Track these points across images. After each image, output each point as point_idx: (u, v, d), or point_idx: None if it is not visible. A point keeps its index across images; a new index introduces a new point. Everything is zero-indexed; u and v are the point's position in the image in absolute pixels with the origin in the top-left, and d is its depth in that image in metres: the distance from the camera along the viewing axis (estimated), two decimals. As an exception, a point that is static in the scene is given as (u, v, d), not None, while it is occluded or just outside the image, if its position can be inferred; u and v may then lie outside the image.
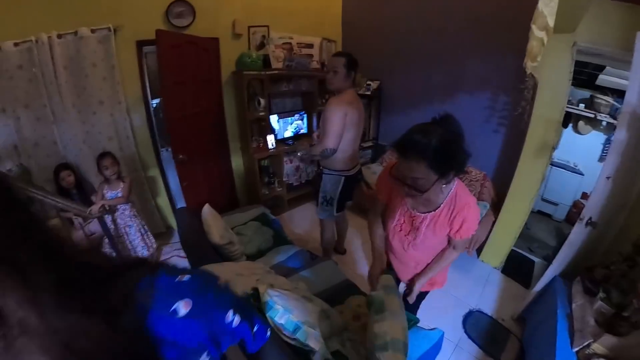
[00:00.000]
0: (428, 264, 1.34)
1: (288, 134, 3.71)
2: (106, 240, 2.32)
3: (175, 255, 2.88)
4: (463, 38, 3.01)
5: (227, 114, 3.27)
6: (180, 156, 2.53)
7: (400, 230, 1.30)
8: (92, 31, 2.41)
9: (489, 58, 2.87)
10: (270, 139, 3.41)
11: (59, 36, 2.32)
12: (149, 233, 2.62)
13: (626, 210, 1.92)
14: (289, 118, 3.69)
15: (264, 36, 3.33)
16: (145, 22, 2.61)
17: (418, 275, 1.35)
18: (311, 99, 3.78)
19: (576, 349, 1.42)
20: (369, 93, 3.81)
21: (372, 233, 1.42)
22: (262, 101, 3.28)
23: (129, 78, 2.66)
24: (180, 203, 3.11)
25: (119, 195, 2.35)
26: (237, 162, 3.51)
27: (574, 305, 1.66)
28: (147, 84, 2.76)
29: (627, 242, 1.76)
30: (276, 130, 3.55)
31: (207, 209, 1.98)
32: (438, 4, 3.14)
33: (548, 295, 1.87)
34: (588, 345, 1.40)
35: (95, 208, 2.15)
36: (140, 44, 2.66)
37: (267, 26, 3.32)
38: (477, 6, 2.84)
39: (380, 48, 3.74)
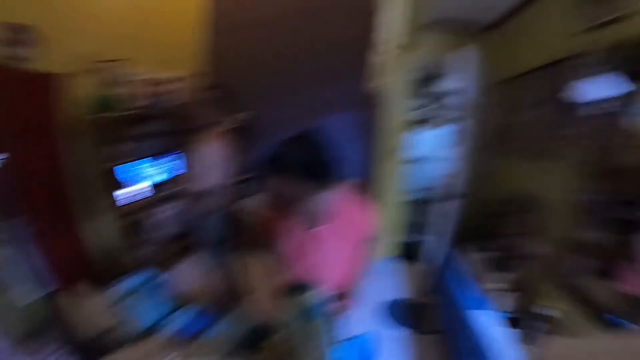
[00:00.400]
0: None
1: (158, 179, 3.24)
2: None
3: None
4: (315, 66, 3.34)
5: (74, 166, 2.59)
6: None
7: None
8: None
9: (340, 81, 3.20)
10: (131, 191, 2.90)
11: None
12: None
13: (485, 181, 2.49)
14: (155, 162, 3.22)
15: (121, 73, 2.84)
16: None
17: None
18: (177, 139, 3.33)
19: (480, 287, 1.76)
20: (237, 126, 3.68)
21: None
22: (122, 146, 2.81)
23: None
24: None
25: None
26: (95, 225, 2.79)
27: (467, 262, 2.07)
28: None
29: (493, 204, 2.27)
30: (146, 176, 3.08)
31: (70, 298, 1.53)
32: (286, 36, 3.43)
33: (446, 263, 2.26)
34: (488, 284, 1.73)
35: None
36: None
37: (126, 61, 2.84)
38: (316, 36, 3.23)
39: (256, 77, 3.73)
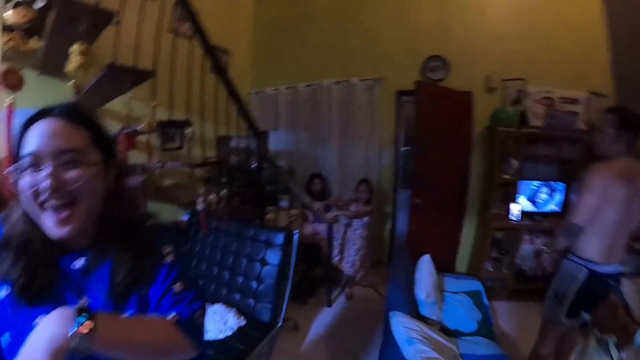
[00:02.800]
0: None
1: (532, 208, 2.95)
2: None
3: (372, 288, 2.89)
4: None
5: (473, 171, 3.06)
6: (418, 200, 2.59)
7: None
8: (361, 80, 3.13)
9: None
10: (515, 209, 2.82)
11: (336, 82, 3.21)
12: (363, 258, 2.80)
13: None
14: (542, 188, 2.94)
15: (520, 90, 2.95)
16: (404, 74, 3.03)
17: None
18: (572, 168, 2.84)
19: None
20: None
21: None
22: (514, 163, 2.82)
23: (386, 122, 3.16)
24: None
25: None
26: (468, 225, 3.17)
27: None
28: (402, 131, 3.14)
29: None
30: (521, 200, 2.91)
31: (427, 259, 1.83)
32: None
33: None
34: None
35: (330, 215, 2.55)
36: (399, 94, 3.09)
37: (523, 79, 2.93)
38: None
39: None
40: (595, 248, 1.48)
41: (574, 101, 2.96)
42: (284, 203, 3.04)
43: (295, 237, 1.74)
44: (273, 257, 1.74)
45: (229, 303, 1.86)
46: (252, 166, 2.52)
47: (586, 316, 1.56)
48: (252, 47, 3.72)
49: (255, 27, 3.70)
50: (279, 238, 1.74)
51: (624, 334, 1.93)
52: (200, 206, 1.61)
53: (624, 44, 2.88)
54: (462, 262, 3.21)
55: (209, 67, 1.76)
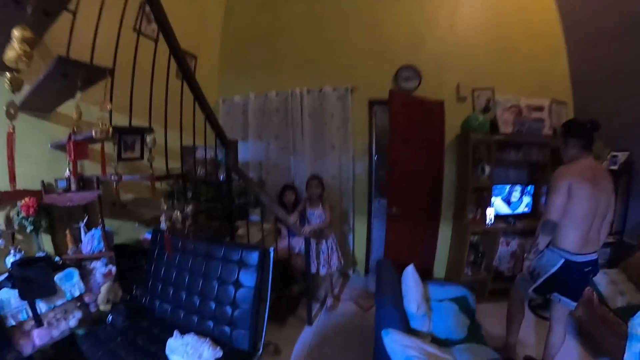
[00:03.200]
0: None
1: (507, 210, 3.05)
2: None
3: (352, 301, 2.79)
4: None
5: (446, 178, 3.10)
6: (394, 209, 2.53)
7: None
8: (333, 89, 3.10)
9: None
10: (490, 213, 2.87)
11: (308, 91, 3.14)
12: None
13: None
14: (514, 190, 3.05)
15: (488, 99, 3.10)
16: (376, 84, 3.06)
17: None
18: (540, 171, 3.01)
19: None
20: (615, 167, 2.64)
21: None
22: (487, 168, 2.88)
23: (359, 131, 3.13)
24: (376, 254, 3.15)
25: (321, 219, 2.64)
26: (444, 230, 3.18)
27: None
28: (374, 139, 3.11)
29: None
30: (497, 202, 2.98)
31: (411, 270, 1.75)
32: None
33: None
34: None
35: (307, 229, 2.43)
36: (372, 103, 3.09)
37: (492, 88, 3.08)
38: None
39: (628, 110, 2.58)
40: (570, 239, 1.65)
41: (539, 108, 3.11)
42: (255, 217, 2.86)
43: (271, 254, 1.59)
44: (248, 278, 1.58)
45: (202, 332, 1.65)
46: (221, 178, 2.35)
47: (571, 304, 1.72)
48: (220, 53, 3.55)
49: (225, 33, 3.55)
50: (253, 257, 1.59)
51: (602, 322, 2.04)
52: (163, 224, 1.41)
53: (579, 53, 3.08)
54: (439, 268, 3.22)
55: (175, 71, 1.60)
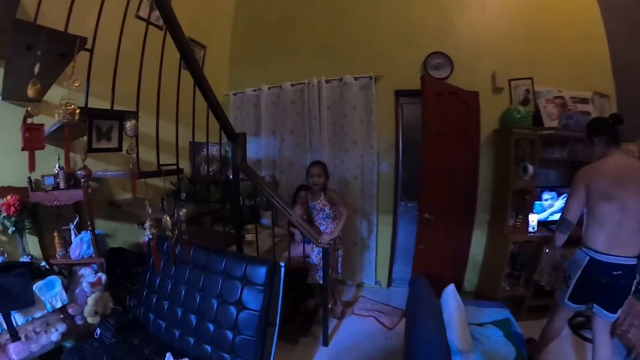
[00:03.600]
0: None
1: (548, 216, 2.63)
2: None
3: (373, 317, 2.46)
4: None
5: (481, 178, 2.72)
6: (426, 215, 2.16)
7: None
8: (355, 79, 2.75)
9: None
10: (533, 219, 2.48)
11: (327, 81, 2.80)
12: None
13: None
14: (556, 196, 2.64)
15: (527, 90, 2.73)
16: (403, 72, 2.73)
17: None
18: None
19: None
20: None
21: None
22: (531, 168, 2.49)
23: (385, 125, 2.76)
24: (400, 263, 2.83)
25: (324, 212, 2.29)
26: (478, 238, 2.80)
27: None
28: (401, 134, 2.74)
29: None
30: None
31: (452, 292, 1.42)
32: None
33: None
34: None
35: (326, 238, 2.09)
36: (398, 94, 2.74)
37: (531, 78, 2.71)
38: None
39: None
40: (594, 238, 1.63)
41: (584, 101, 2.74)
42: (266, 221, 2.58)
43: (282, 270, 1.29)
44: (252, 299, 1.29)
45: (199, 358, 1.39)
46: (231, 177, 2.10)
47: (608, 315, 1.61)
48: (231, 43, 3.31)
49: (236, 20, 3.30)
50: (260, 273, 1.30)
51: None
52: (147, 232, 1.15)
53: (621, 41, 2.69)
54: (470, 279, 2.85)
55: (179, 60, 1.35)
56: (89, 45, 1.06)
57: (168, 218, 1.17)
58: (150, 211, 1.14)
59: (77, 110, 0.90)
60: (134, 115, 1.08)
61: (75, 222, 1.83)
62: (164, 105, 1.35)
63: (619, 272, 1.56)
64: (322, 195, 2.31)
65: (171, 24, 1.25)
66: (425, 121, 2.12)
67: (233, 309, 1.33)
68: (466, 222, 2.73)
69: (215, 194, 2.58)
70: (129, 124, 1.04)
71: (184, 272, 1.60)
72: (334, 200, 2.30)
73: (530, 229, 2.48)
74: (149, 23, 1.32)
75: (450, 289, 1.46)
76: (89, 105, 1.04)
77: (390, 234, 2.87)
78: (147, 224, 1.14)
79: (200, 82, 1.46)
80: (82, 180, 1.06)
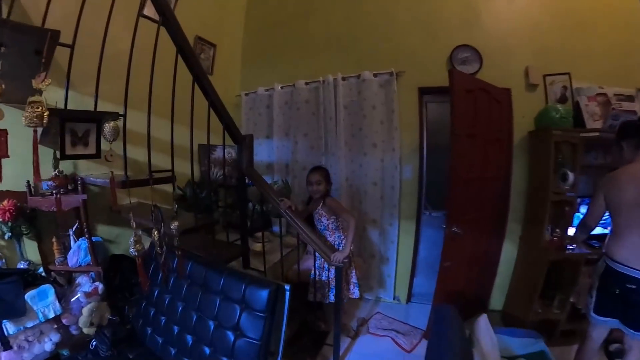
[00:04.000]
0: None
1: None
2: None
3: (390, 337, 2.25)
4: None
5: (513, 184, 2.45)
6: (455, 229, 1.93)
7: None
8: (375, 75, 2.52)
9: None
10: (572, 233, 2.19)
11: (344, 78, 2.58)
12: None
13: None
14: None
15: (564, 86, 2.43)
16: (427, 68, 2.49)
17: None
18: None
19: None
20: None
21: None
22: (571, 175, 2.21)
23: (407, 126, 2.53)
24: (421, 277, 2.61)
25: (323, 223, 2.09)
26: (507, 251, 2.52)
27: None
28: (425, 137, 2.51)
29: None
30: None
31: (485, 323, 1.21)
32: None
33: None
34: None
35: (340, 257, 1.88)
36: (422, 91, 2.51)
37: (568, 74, 2.41)
38: None
39: None
40: (615, 247, 1.56)
41: (630, 98, 2.39)
42: (277, 228, 2.43)
43: (286, 294, 1.13)
44: (251, 327, 1.13)
45: (194, 383, 1.25)
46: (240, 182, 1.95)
47: (630, 332, 1.51)
48: (243, 41, 3.19)
49: (248, 18, 3.17)
50: (261, 298, 1.13)
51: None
52: (132, 249, 1.02)
53: None
54: (496, 297, 2.57)
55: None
56: (68, 41, 0.93)
57: (156, 232, 1.04)
58: (134, 225, 1.00)
59: (46, 113, 0.77)
60: (114, 116, 0.95)
61: (74, 228, 1.75)
62: (166, 105, 1.23)
63: (633, 286, 1.47)
64: (321, 204, 2.11)
65: (165, 16, 1.11)
66: (454, 121, 1.88)
67: (230, 335, 1.18)
68: (496, 235, 2.46)
69: (224, 199, 2.45)
70: (107, 127, 0.91)
71: (182, 287, 1.48)
72: (335, 210, 2.09)
73: (569, 245, 2.20)
74: (144, 17, 1.19)
75: (483, 322, 1.26)
76: (87, 108, 0.94)
77: (412, 245, 2.63)
78: (132, 239, 1.01)
79: (199, 78, 1.32)
80: (54, 192, 0.92)
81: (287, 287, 1.17)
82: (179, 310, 1.45)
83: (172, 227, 1.09)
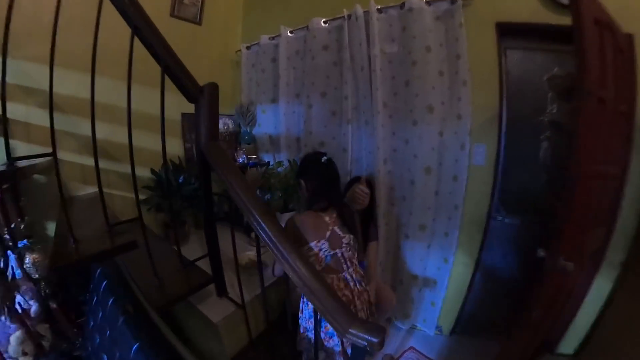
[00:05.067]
0: None
1: None
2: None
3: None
4: None
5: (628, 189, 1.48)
6: (563, 261, 1.07)
7: None
8: (427, 3, 1.61)
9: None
10: None
11: (380, 10, 1.72)
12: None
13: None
14: None
15: None
16: None
17: None
18: None
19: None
20: None
21: None
22: None
23: (480, 83, 1.58)
24: (473, 304, 1.85)
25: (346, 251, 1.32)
26: (598, 283, 1.60)
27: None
28: (505, 99, 1.55)
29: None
30: None
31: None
32: None
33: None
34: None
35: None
36: (502, 30, 1.53)
37: None
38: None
39: None
40: None
41: None
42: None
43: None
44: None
45: None
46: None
47: None
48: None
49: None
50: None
51: None
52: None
53: None
54: (570, 338, 1.71)
55: None
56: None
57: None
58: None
59: None
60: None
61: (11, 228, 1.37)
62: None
63: None
64: (347, 229, 1.37)
65: None
66: (582, 76, 0.98)
67: None
68: (594, 261, 1.55)
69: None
70: None
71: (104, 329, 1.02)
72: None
73: None
74: None
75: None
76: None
77: (472, 263, 1.78)
78: None
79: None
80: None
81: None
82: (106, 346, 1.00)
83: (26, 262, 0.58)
